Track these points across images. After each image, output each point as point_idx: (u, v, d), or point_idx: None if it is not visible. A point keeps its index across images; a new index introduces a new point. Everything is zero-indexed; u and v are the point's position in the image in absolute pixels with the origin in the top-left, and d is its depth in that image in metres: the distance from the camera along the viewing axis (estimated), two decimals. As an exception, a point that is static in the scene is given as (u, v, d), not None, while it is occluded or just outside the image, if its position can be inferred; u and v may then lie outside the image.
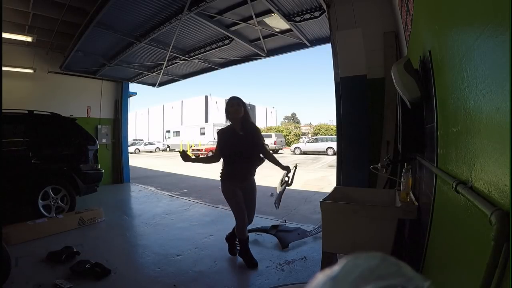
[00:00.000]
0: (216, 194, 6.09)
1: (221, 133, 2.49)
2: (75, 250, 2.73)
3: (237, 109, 2.42)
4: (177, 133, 25.51)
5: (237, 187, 2.44)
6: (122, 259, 2.73)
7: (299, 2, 3.85)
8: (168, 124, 33.88)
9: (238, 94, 2.54)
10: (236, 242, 2.69)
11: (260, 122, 37.18)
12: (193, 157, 2.43)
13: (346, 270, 0.27)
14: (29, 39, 5.28)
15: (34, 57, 5.90)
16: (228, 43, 5.16)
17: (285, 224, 3.56)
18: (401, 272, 0.25)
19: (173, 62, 6.15)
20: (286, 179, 2.52)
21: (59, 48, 5.90)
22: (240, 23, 4.45)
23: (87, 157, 4.47)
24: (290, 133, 25.36)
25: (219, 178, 2.50)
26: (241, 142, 2.40)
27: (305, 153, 18.15)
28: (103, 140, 7.12)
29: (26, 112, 4.11)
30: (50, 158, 4.07)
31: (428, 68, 1.33)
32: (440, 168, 1.16)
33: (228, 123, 2.51)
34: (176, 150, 23.17)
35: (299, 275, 2.37)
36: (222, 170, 2.48)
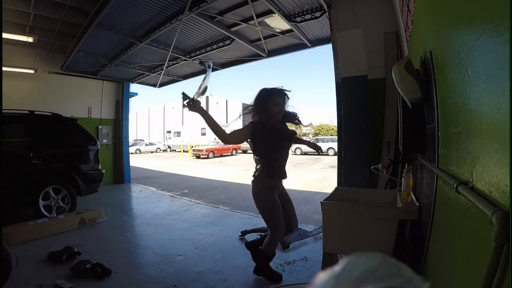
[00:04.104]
0: (216, 194, 6.10)
1: (258, 127, 2.04)
2: (75, 250, 2.73)
3: (281, 110, 2.07)
4: (178, 134, 25.56)
5: (276, 192, 2.12)
6: (122, 259, 2.73)
7: (300, 2, 3.85)
8: (169, 124, 33.89)
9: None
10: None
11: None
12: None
13: (347, 270, 0.27)
14: (30, 39, 5.29)
15: (35, 58, 5.91)
16: (229, 44, 5.15)
17: (286, 225, 3.56)
18: (401, 273, 0.25)
19: (174, 62, 6.15)
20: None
21: (60, 49, 5.91)
22: (241, 24, 4.45)
23: (88, 158, 4.48)
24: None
25: (254, 184, 2.10)
26: (283, 136, 2.14)
27: (306, 153, 18.13)
28: (104, 141, 7.12)
29: (27, 112, 4.11)
30: (51, 159, 4.08)
31: (428, 68, 1.33)
32: (441, 168, 1.16)
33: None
34: (177, 150, 23.20)
35: (299, 275, 2.37)
36: (259, 172, 2.08)
